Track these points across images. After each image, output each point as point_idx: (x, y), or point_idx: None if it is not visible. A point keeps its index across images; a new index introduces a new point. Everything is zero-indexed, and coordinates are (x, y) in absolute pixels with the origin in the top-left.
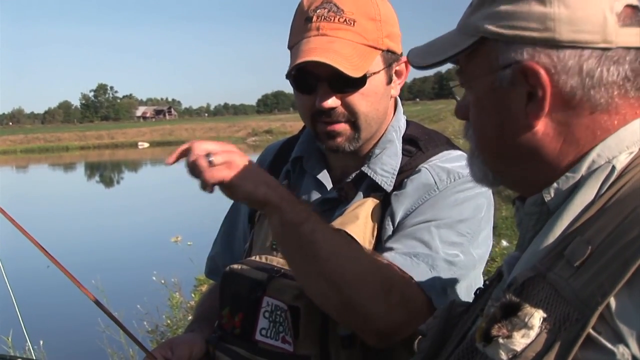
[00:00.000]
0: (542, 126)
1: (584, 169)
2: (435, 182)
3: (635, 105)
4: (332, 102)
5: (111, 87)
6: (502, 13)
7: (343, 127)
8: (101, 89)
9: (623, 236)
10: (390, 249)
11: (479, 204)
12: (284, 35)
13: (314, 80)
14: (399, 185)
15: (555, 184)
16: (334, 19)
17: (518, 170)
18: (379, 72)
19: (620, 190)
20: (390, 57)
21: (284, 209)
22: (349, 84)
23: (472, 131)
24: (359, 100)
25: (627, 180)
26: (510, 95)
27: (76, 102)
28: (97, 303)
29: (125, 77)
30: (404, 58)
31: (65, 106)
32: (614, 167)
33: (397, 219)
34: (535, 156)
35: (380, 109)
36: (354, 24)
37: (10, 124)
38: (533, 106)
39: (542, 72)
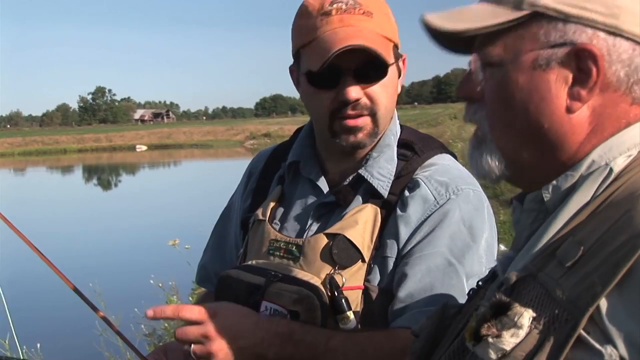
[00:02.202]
0: (579, 111)
1: (583, 168)
2: (435, 198)
3: None
4: (357, 93)
5: (109, 90)
6: None
7: (365, 121)
8: (99, 91)
9: (614, 238)
10: (406, 301)
11: (483, 218)
12: (282, 39)
13: (337, 74)
14: (399, 194)
15: (554, 182)
16: (354, 11)
17: (532, 156)
18: (392, 64)
19: (614, 193)
20: (397, 52)
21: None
22: (373, 75)
23: (484, 113)
24: (380, 91)
25: (622, 183)
26: (554, 76)
27: (74, 105)
28: (93, 307)
29: (123, 80)
30: (404, 55)
31: (63, 109)
32: (611, 169)
33: (402, 243)
34: (559, 142)
35: (393, 101)
36: (372, 16)
37: (8, 126)
38: (579, 90)
39: (601, 57)
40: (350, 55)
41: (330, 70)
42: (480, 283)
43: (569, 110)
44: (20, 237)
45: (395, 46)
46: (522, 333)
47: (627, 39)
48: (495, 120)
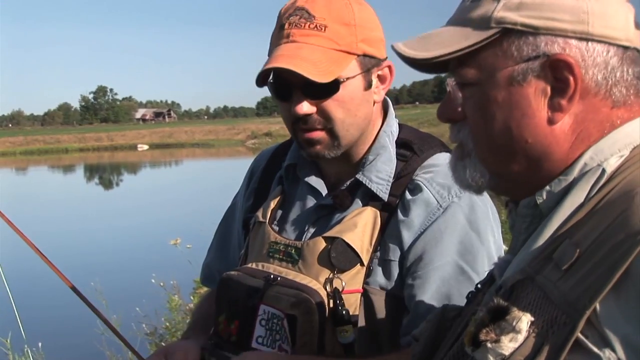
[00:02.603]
0: (561, 121)
1: (576, 171)
2: (438, 201)
3: None
4: (307, 108)
5: (111, 89)
6: (530, 4)
7: (320, 135)
8: (101, 91)
9: (610, 239)
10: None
11: (489, 218)
12: None
13: (288, 87)
14: (400, 196)
15: (548, 187)
16: (304, 25)
17: (519, 169)
18: (354, 77)
19: (609, 194)
20: (368, 62)
21: None
22: (321, 90)
23: (467, 131)
24: (334, 106)
25: (616, 183)
26: (532, 89)
27: (76, 104)
28: (94, 310)
29: (124, 80)
30: (387, 62)
31: (64, 108)
32: (604, 170)
33: (406, 247)
34: (545, 153)
35: (360, 114)
36: (324, 30)
37: (10, 125)
38: (559, 100)
39: (576, 65)
40: (294, 71)
41: (282, 84)
42: (479, 286)
43: (551, 121)
44: (22, 238)
45: (365, 56)
46: (521, 337)
47: (600, 42)
48: (479, 137)
